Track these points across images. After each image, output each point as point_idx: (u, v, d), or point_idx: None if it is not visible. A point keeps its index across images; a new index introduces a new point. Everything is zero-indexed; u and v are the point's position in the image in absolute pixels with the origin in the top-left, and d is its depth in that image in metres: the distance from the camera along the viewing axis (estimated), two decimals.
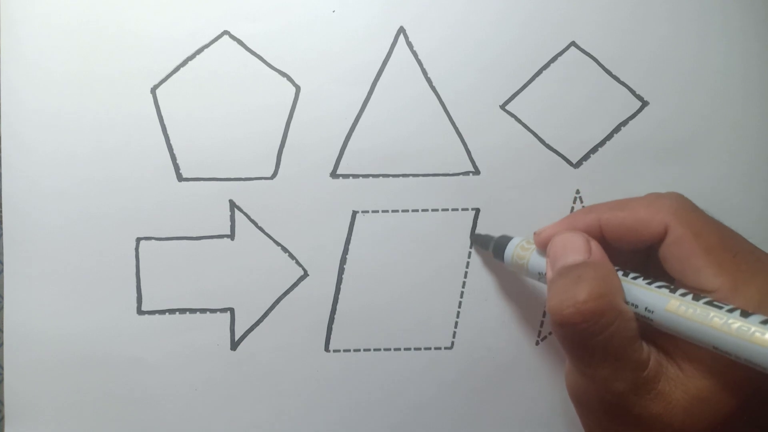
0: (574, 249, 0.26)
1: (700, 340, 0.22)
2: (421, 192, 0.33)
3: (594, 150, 0.34)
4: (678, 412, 0.23)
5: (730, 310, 0.21)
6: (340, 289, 0.33)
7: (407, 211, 0.33)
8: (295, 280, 0.33)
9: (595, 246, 0.26)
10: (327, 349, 0.33)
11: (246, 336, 0.33)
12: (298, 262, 0.33)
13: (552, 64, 0.34)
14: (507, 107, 0.34)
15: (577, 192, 0.33)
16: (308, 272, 0.33)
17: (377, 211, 0.33)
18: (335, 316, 0.33)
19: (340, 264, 0.33)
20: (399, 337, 0.33)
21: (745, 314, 0.21)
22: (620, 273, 0.25)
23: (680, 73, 0.34)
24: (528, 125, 0.34)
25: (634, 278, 0.25)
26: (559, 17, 0.34)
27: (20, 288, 0.33)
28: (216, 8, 0.33)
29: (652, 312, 0.24)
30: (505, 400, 0.33)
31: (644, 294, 0.24)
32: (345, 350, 0.33)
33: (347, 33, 0.33)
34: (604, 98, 0.34)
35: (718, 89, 0.34)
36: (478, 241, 0.33)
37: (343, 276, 0.33)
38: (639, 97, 0.34)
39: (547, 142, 0.34)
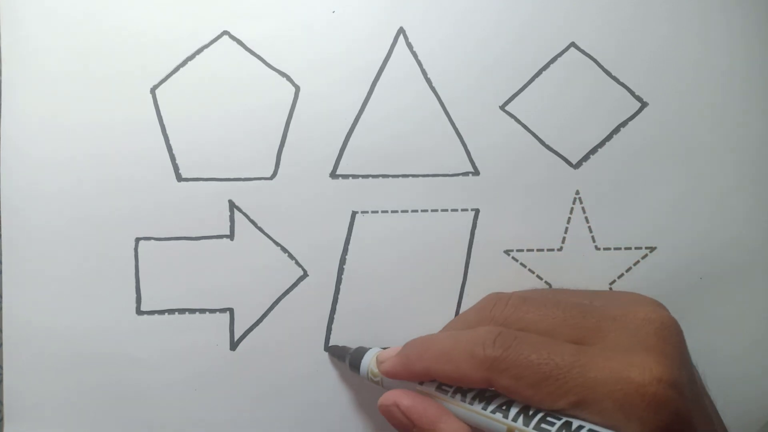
0: (404, 426, 0.27)
1: None
2: (421, 192, 0.33)
3: (594, 151, 0.34)
4: None
5: (558, 430, 0.22)
6: (339, 289, 0.33)
7: (407, 211, 0.33)
8: (294, 280, 0.33)
9: (425, 407, 0.26)
10: (327, 349, 0.33)
11: (245, 336, 0.33)
12: (297, 262, 0.33)
13: (552, 65, 0.34)
14: (507, 108, 0.34)
15: (577, 193, 0.33)
16: (308, 272, 0.33)
17: (377, 212, 0.33)
18: (335, 316, 0.33)
19: (340, 264, 0.33)
20: (399, 337, 0.33)
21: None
22: (458, 396, 0.26)
23: (680, 73, 0.34)
24: (528, 126, 0.34)
25: (471, 401, 0.25)
26: (559, 17, 0.34)
27: (20, 288, 0.33)
28: (216, 8, 0.33)
29: None
30: None
31: (483, 421, 0.25)
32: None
33: (347, 33, 0.33)
34: (603, 99, 0.34)
35: (718, 90, 0.34)
36: (335, 353, 0.33)
37: (342, 276, 0.33)
38: (638, 98, 0.34)
39: (546, 142, 0.34)
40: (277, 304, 0.33)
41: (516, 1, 0.34)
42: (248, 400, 0.33)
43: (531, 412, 0.23)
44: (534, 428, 0.23)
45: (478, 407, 0.25)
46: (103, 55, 0.33)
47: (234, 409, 0.33)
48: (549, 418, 0.23)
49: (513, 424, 0.24)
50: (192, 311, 0.33)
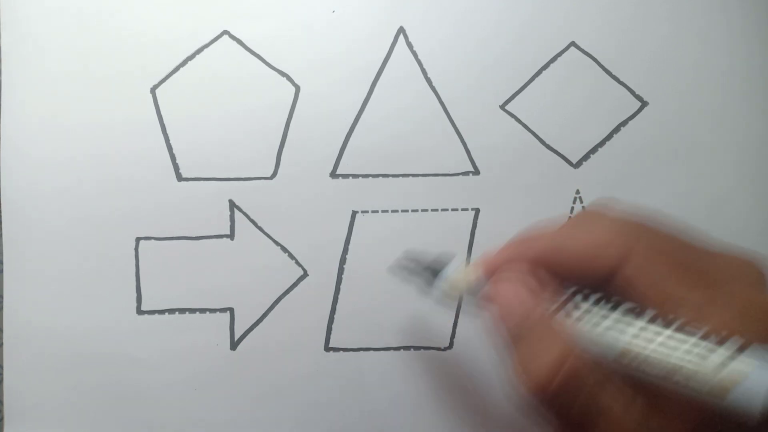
0: (522, 304, 0.22)
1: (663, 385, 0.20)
2: (421, 192, 0.33)
3: (594, 150, 0.34)
4: None
5: (687, 352, 0.19)
6: (339, 288, 0.33)
7: (407, 211, 0.33)
8: (294, 279, 0.33)
9: (541, 292, 0.22)
10: (326, 348, 0.33)
11: (246, 336, 0.33)
12: (297, 262, 0.33)
13: (552, 64, 0.34)
14: (507, 107, 0.34)
15: (577, 192, 0.33)
16: (308, 272, 0.33)
17: (377, 211, 0.33)
18: (335, 316, 0.33)
19: (340, 264, 0.33)
20: (398, 337, 0.33)
21: (704, 353, 0.19)
22: (577, 298, 0.22)
23: (680, 73, 0.34)
24: (528, 125, 0.34)
25: (580, 317, 0.22)
26: (559, 17, 0.34)
27: (20, 288, 0.33)
28: (216, 8, 0.33)
29: (606, 359, 0.21)
30: (505, 400, 0.33)
31: (596, 338, 0.21)
32: (344, 350, 0.33)
33: (347, 33, 0.33)
34: (604, 98, 0.34)
35: (718, 90, 0.34)
36: (402, 268, 0.28)
37: (342, 276, 0.33)
38: (639, 98, 0.34)
39: (547, 142, 0.34)
40: (277, 303, 0.33)
41: (516, 1, 0.34)
42: (248, 400, 0.33)
43: (653, 328, 0.20)
44: (660, 345, 0.19)
45: (590, 321, 0.21)
46: (103, 55, 0.33)
47: (234, 409, 0.33)
48: (675, 336, 0.19)
49: (634, 340, 0.20)
50: (192, 311, 0.33)
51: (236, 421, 0.33)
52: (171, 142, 0.33)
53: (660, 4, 0.34)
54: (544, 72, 0.34)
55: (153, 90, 0.33)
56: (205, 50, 0.33)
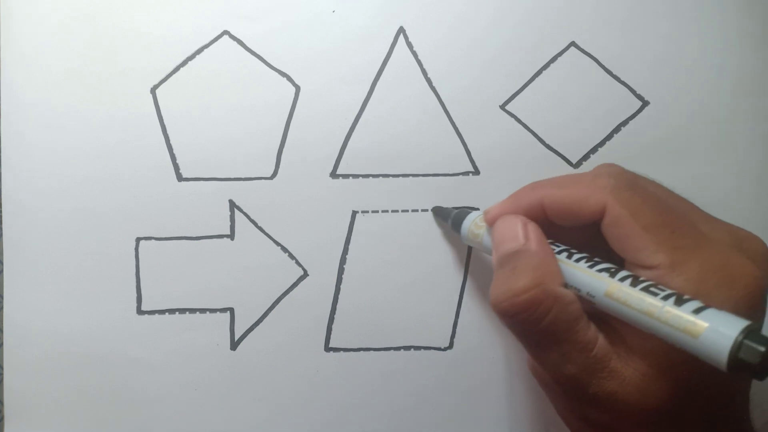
0: (511, 236, 0.26)
1: (639, 325, 0.22)
2: (421, 192, 0.33)
3: (594, 150, 0.33)
4: (631, 390, 0.23)
5: (666, 297, 0.21)
6: (339, 288, 0.33)
7: (407, 211, 0.33)
8: (294, 279, 0.33)
9: (532, 231, 0.26)
10: (327, 348, 0.33)
11: (246, 336, 0.33)
12: (297, 262, 0.33)
13: (552, 64, 0.34)
14: (507, 107, 0.34)
15: None
16: (308, 272, 0.33)
17: (377, 211, 0.33)
18: (335, 316, 0.33)
19: (340, 264, 0.33)
20: (398, 337, 0.33)
21: (679, 301, 0.21)
22: (564, 254, 0.25)
23: (681, 72, 0.33)
24: (528, 125, 0.34)
25: (577, 260, 0.25)
26: (559, 17, 0.34)
27: (20, 288, 0.33)
28: (216, 8, 0.33)
29: (593, 297, 0.24)
30: (505, 400, 0.33)
31: (585, 278, 0.24)
32: (345, 350, 0.33)
33: (347, 33, 0.33)
34: (604, 98, 0.33)
35: (719, 89, 0.33)
36: (439, 214, 0.33)
37: (342, 276, 0.33)
38: (639, 97, 0.33)
39: (547, 142, 0.34)
40: (277, 303, 0.33)
41: (516, 1, 0.34)
42: (248, 400, 0.33)
43: (640, 279, 0.22)
44: (641, 290, 0.22)
45: (584, 265, 0.24)
46: (104, 55, 0.33)
47: (234, 409, 0.33)
48: (657, 287, 0.22)
49: (618, 283, 0.23)
50: (192, 311, 0.33)
51: (236, 421, 0.33)
52: (171, 141, 0.33)
53: (660, 3, 0.34)
54: (544, 72, 0.34)
55: (153, 90, 0.33)
56: (205, 50, 0.33)
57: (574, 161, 0.33)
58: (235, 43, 0.33)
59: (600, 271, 0.24)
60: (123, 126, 0.33)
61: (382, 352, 0.33)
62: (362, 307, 0.33)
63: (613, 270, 0.24)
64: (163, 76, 0.33)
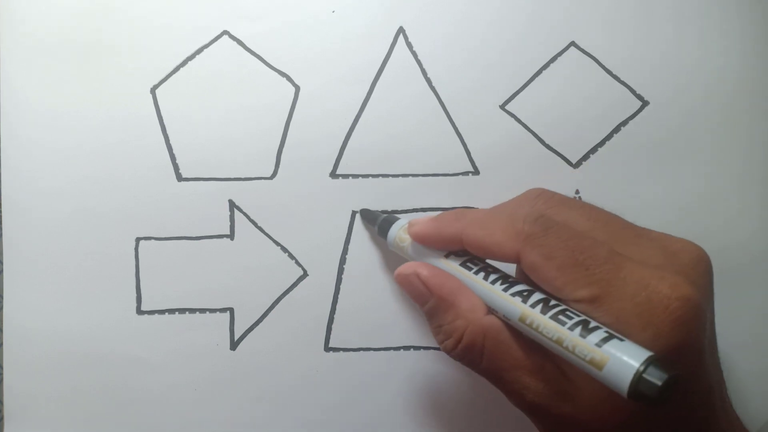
0: (417, 295, 0.27)
1: (554, 351, 0.22)
2: (421, 192, 0.33)
3: (594, 150, 0.33)
4: (587, 412, 0.23)
5: (573, 326, 0.21)
6: (339, 288, 0.33)
7: (407, 211, 0.33)
8: (294, 279, 0.33)
9: (431, 279, 0.26)
10: (326, 348, 0.33)
11: (246, 336, 0.33)
12: (297, 262, 0.33)
13: (552, 64, 0.34)
14: (507, 107, 0.34)
15: (577, 192, 0.33)
16: (308, 272, 0.33)
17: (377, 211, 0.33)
18: (335, 316, 0.33)
19: (340, 264, 0.33)
20: (398, 337, 0.33)
21: (585, 331, 0.21)
22: (481, 275, 0.26)
23: (680, 72, 0.33)
24: (528, 125, 0.33)
25: (493, 281, 0.25)
26: (559, 17, 0.34)
27: (20, 288, 0.33)
28: (216, 8, 0.33)
29: (509, 320, 0.24)
30: (505, 399, 0.33)
31: (500, 301, 0.24)
32: (344, 350, 0.33)
33: (347, 33, 0.33)
34: (604, 98, 0.33)
35: (719, 89, 0.33)
36: (366, 217, 0.33)
37: (342, 276, 0.33)
38: (639, 97, 0.33)
39: (546, 142, 0.34)
40: (277, 303, 0.33)
41: (516, 1, 0.34)
42: (248, 400, 0.33)
43: (551, 303, 0.23)
44: (551, 318, 0.22)
45: (499, 288, 0.25)
46: (104, 55, 0.33)
47: (234, 409, 0.33)
48: (568, 312, 0.22)
49: (530, 309, 0.23)
50: (192, 311, 0.33)
51: (236, 421, 0.33)
52: (171, 142, 0.33)
53: (661, 3, 0.34)
54: (544, 72, 0.34)
55: (153, 90, 0.33)
56: (205, 50, 0.33)
57: (573, 161, 0.33)
58: (234, 43, 0.33)
59: (514, 294, 0.24)
60: (123, 126, 0.33)
61: (382, 352, 0.33)
62: (362, 307, 0.33)
63: (525, 293, 0.24)
64: (163, 76, 0.33)
